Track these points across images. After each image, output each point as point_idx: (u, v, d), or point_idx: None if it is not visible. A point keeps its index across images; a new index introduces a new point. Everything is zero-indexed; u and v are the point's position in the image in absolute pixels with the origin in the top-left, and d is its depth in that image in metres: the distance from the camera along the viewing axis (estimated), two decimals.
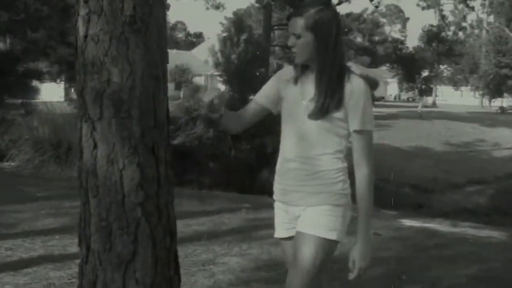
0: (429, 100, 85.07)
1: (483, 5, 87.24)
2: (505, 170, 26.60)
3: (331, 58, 3.05)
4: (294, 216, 3.17)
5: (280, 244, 3.36)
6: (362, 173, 3.13)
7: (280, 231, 3.30)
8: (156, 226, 3.06)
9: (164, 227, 3.11)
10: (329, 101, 3.03)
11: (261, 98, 3.33)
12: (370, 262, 3.18)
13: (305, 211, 3.10)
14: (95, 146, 2.96)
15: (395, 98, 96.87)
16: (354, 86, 3.07)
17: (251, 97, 3.24)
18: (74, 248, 5.95)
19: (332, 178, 3.10)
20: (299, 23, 3.03)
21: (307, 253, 3.04)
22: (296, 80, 3.19)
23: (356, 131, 3.10)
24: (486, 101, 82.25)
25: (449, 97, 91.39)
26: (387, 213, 12.92)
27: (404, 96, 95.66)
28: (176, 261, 3.25)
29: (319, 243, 3.05)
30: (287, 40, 3.12)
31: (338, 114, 3.05)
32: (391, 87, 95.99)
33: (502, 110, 67.48)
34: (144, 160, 2.98)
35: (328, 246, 3.09)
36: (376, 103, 73.87)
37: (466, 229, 9.98)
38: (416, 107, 57.33)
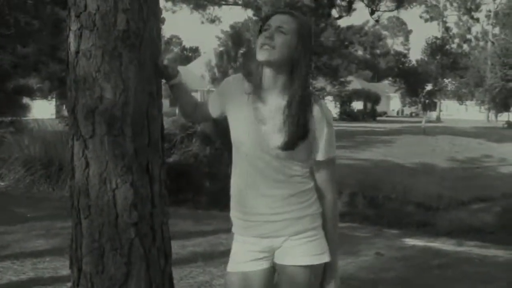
0: (433, 115, 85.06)
1: (488, 16, 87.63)
2: None
3: (305, 74, 2.93)
4: (269, 248, 3.03)
5: (240, 279, 3.04)
6: (328, 200, 3.07)
7: (247, 265, 3.04)
8: (150, 247, 3.06)
9: (159, 248, 3.11)
10: (298, 133, 2.90)
11: (211, 108, 3.23)
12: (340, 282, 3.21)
13: (289, 241, 3.00)
14: (87, 165, 2.97)
15: (397, 113, 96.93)
16: (320, 111, 2.95)
17: None
18: (65, 271, 5.95)
19: (308, 199, 3.03)
20: (289, 20, 2.93)
21: (306, 285, 3.01)
22: (250, 92, 3.00)
23: (318, 162, 3.02)
24: (492, 116, 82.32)
25: (454, 111, 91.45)
26: (389, 232, 12.91)
27: (407, 111, 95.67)
28: (171, 284, 3.26)
29: (314, 271, 3.03)
30: (265, 34, 2.91)
31: (303, 145, 2.95)
32: (394, 102, 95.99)
33: (509, 124, 67.35)
34: (137, 179, 2.99)
35: (321, 270, 3.07)
36: (379, 118, 74.25)
37: (472, 248, 9.97)
38: (420, 122, 57.33)
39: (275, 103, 2.95)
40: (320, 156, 2.99)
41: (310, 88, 2.99)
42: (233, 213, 3.10)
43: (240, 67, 21.54)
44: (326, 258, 3.04)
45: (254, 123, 2.96)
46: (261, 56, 2.89)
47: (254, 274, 3.03)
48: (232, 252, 3.11)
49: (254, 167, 2.98)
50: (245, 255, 3.04)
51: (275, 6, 37.56)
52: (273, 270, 3.07)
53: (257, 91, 2.98)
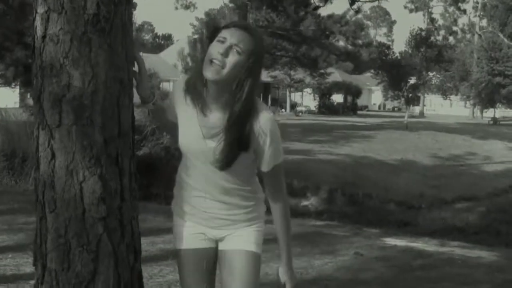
0: (416, 110, 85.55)
1: (475, 8, 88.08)
2: (497, 186, 26.78)
3: (250, 91, 2.98)
4: (212, 236, 3.28)
5: (180, 255, 3.31)
6: (278, 207, 3.24)
7: (191, 242, 3.28)
8: (119, 243, 3.04)
9: (128, 245, 3.10)
10: (234, 150, 3.01)
11: (171, 115, 3.34)
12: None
13: (238, 230, 3.25)
14: (53, 156, 2.94)
15: (379, 107, 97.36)
16: (262, 124, 3.02)
17: None
18: (28, 268, 5.92)
19: (254, 204, 3.27)
20: (247, 40, 2.96)
21: (251, 271, 3.23)
22: (194, 102, 3.09)
23: (264, 173, 3.17)
24: (477, 112, 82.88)
25: (438, 106, 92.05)
26: (369, 231, 12.98)
27: (389, 105, 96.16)
28: (140, 282, 3.25)
29: (256, 259, 3.26)
30: (221, 47, 2.94)
31: (246, 155, 3.07)
32: (376, 96, 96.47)
33: (495, 121, 67.95)
34: (106, 171, 2.97)
35: (257, 261, 3.30)
36: (359, 112, 74.45)
37: (454, 249, 10.06)
38: (402, 117, 57.53)
39: (217, 117, 3.05)
40: (265, 168, 3.13)
41: (256, 102, 3.04)
42: (179, 198, 3.31)
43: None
44: (260, 250, 3.31)
45: (200, 135, 3.08)
46: (208, 73, 2.93)
47: (202, 251, 3.28)
48: (177, 228, 3.33)
49: (203, 174, 3.15)
50: (192, 232, 3.27)
51: None
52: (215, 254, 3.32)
53: (200, 103, 3.07)
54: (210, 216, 3.21)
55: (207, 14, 46.28)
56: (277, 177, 3.19)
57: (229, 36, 2.95)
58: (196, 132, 3.08)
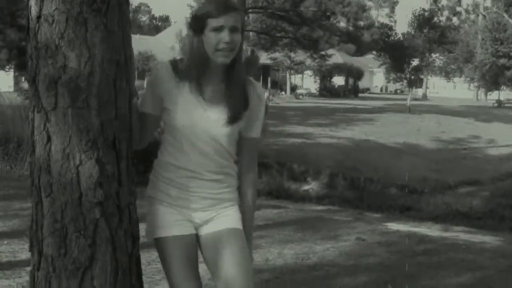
0: (419, 92, 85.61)
1: None
2: (501, 170, 26.76)
3: (241, 57, 3.29)
4: (199, 218, 3.36)
5: (166, 244, 3.34)
6: (251, 178, 3.45)
7: (175, 229, 3.32)
8: (117, 228, 3.04)
9: (126, 230, 3.10)
10: (240, 105, 3.24)
11: (154, 108, 3.34)
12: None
13: (226, 210, 3.38)
14: (49, 140, 2.94)
15: (381, 89, 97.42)
16: (258, 91, 3.35)
17: None
18: (24, 254, 5.94)
19: (236, 180, 3.44)
20: (238, 17, 3.15)
21: (241, 245, 3.32)
22: (192, 84, 3.22)
23: (251, 139, 3.39)
24: (481, 94, 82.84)
25: (441, 89, 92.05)
26: (371, 216, 13.01)
27: (391, 87, 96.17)
28: (138, 268, 3.25)
29: (241, 234, 3.38)
30: (223, 35, 3.10)
31: (238, 124, 3.26)
32: (377, 78, 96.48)
33: (499, 103, 67.94)
34: (103, 155, 2.96)
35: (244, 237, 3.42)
36: (361, 95, 74.43)
37: (458, 234, 10.08)
38: (405, 99, 57.52)
39: (217, 88, 3.24)
40: (254, 133, 3.38)
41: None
42: (161, 182, 3.37)
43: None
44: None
45: (198, 108, 3.22)
46: (222, 58, 3.14)
47: (187, 237, 3.34)
48: (160, 216, 3.36)
49: (200, 152, 3.25)
50: (175, 219, 3.33)
51: None
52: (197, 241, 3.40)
53: (200, 80, 3.22)
54: (199, 196, 3.30)
55: None
56: (255, 148, 3.45)
57: (224, 21, 3.10)
58: (197, 107, 3.21)
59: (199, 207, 3.31)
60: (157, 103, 3.28)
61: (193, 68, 3.19)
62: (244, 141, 3.36)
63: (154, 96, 3.29)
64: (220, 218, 3.34)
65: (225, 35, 3.08)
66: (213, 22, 3.08)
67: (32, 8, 2.93)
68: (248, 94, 3.26)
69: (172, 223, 3.31)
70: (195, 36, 3.15)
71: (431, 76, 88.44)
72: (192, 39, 3.17)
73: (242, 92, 3.23)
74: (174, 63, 3.25)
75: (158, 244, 3.37)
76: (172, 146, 3.29)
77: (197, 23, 3.13)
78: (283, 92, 68.72)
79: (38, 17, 2.91)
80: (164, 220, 3.33)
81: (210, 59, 3.14)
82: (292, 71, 71.08)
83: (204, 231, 3.35)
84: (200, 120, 3.19)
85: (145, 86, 3.46)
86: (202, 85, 3.20)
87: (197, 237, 3.37)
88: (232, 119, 3.19)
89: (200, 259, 3.35)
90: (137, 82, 3.38)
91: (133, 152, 3.18)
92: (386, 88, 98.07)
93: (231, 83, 3.21)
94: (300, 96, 65.02)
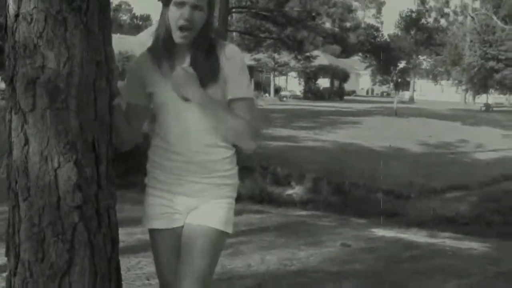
0: (406, 95, 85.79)
1: None
2: (489, 175, 26.84)
3: (210, 28, 3.24)
4: (185, 207, 3.34)
5: (154, 236, 3.41)
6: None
7: (161, 222, 3.36)
8: (96, 233, 3.05)
9: (105, 234, 3.10)
10: (204, 72, 3.18)
11: (137, 98, 3.37)
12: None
13: (208, 203, 3.31)
14: (27, 142, 2.94)
15: (367, 92, 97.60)
16: (228, 53, 3.24)
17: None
18: (0, 259, 5.90)
19: (231, 168, 3.36)
20: None
21: (209, 248, 3.26)
22: (165, 66, 3.25)
23: (235, 100, 3.24)
24: (469, 97, 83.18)
25: (428, 92, 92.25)
26: (356, 222, 13.06)
27: (377, 90, 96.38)
28: (118, 273, 3.25)
29: (222, 238, 3.33)
30: (183, 11, 3.11)
31: (215, 89, 3.20)
32: (363, 80, 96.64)
33: (487, 107, 68.17)
34: (82, 157, 2.97)
35: (224, 240, 3.38)
36: (346, 97, 74.54)
37: (445, 240, 10.13)
38: (391, 102, 57.70)
39: (185, 60, 3.25)
40: (236, 94, 3.23)
41: (218, 40, 3.30)
42: (154, 168, 3.39)
43: None
44: (230, 230, 3.36)
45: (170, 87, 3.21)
46: (180, 39, 3.17)
47: (175, 230, 3.36)
48: (147, 205, 3.42)
49: (178, 132, 3.25)
50: (163, 211, 3.36)
51: None
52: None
53: (171, 60, 3.25)
54: (186, 181, 3.29)
55: None
56: (247, 110, 3.26)
57: None
58: (168, 86, 3.21)
59: (187, 192, 3.30)
60: (140, 92, 3.32)
61: (160, 43, 3.23)
62: (231, 106, 3.23)
63: (135, 85, 3.34)
64: (204, 209, 3.31)
65: (185, 11, 3.10)
66: None
67: (10, 6, 2.93)
68: (218, 61, 3.21)
69: (159, 215, 3.35)
70: (164, 9, 3.19)
71: (418, 78, 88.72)
72: (162, 14, 3.20)
73: (207, 60, 3.20)
74: (151, 49, 3.30)
75: (150, 234, 3.43)
76: (159, 127, 3.32)
77: None
78: (266, 94, 68.67)
79: (16, 15, 2.91)
80: (154, 210, 3.37)
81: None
82: (276, 73, 71.07)
83: (187, 220, 3.34)
84: (170, 95, 3.21)
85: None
86: (175, 64, 3.23)
87: None
88: (202, 83, 3.16)
89: None
90: (119, 83, 3.38)
91: (113, 154, 3.18)
92: (373, 90, 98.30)
93: (193, 58, 3.22)
94: (284, 98, 64.97)
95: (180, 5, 3.10)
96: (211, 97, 3.18)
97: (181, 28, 3.11)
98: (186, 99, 3.16)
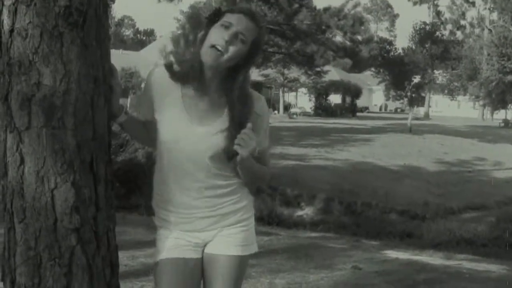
0: (421, 111, 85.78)
1: (485, 0, 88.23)
2: (508, 194, 26.78)
3: (246, 77, 3.22)
4: (201, 241, 3.35)
5: (163, 268, 3.33)
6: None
7: (175, 251, 3.32)
8: (94, 256, 3.04)
9: (104, 258, 3.09)
10: (236, 120, 3.17)
11: (146, 112, 3.39)
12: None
13: (222, 232, 3.34)
14: (22, 161, 2.94)
15: (380, 108, 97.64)
16: (259, 109, 3.28)
17: None
18: None
19: (240, 193, 3.37)
20: (252, 28, 3.14)
21: (234, 277, 3.32)
22: (182, 87, 3.23)
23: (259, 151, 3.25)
24: (487, 113, 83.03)
25: (444, 108, 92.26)
26: (369, 243, 13.01)
27: (391, 106, 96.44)
28: None
29: (244, 262, 3.39)
30: (226, 34, 3.09)
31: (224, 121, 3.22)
32: (377, 96, 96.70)
33: (506, 123, 68.02)
34: (80, 178, 2.96)
35: (246, 262, 3.44)
36: (359, 114, 74.49)
37: (462, 262, 10.09)
38: (406, 119, 57.70)
39: (211, 102, 3.23)
40: (258, 146, 3.20)
41: (249, 87, 3.27)
42: (160, 208, 3.40)
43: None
44: (254, 249, 3.44)
45: (187, 121, 3.22)
46: (209, 58, 3.12)
47: (187, 262, 3.32)
48: (159, 240, 3.39)
49: (187, 167, 3.24)
50: (176, 243, 3.33)
51: None
52: (202, 262, 3.38)
53: (191, 87, 3.22)
54: (196, 217, 3.29)
55: (192, 7, 46.24)
56: (264, 159, 3.35)
57: (236, 22, 3.10)
58: (183, 118, 3.20)
59: (198, 228, 3.31)
60: (149, 108, 3.32)
61: (185, 68, 3.19)
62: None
63: (147, 102, 3.33)
64: (221, 239, 3.33)
65: (226, 34, 3.07)
66: (226, 17, 3.12)
67: (5, 22, 2.93)
68: (250, 115, 3.19)
69: (173, 246, 3.33)
70: (205, 28, 3.17)
71: (433, 94, 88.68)
72: (195, 37, 3.20)
73: (243, 115, 3.17)
74: (169, 67, 3.25)
75: (158, 267, 3.36)
76: (165, 165, 3.31)
77: (216, 15, 3.16)
78: (275, 111, 68.67)
79: (11, 31, 2.91)
80: (168, 242, 3.34)
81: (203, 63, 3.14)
82: (285, 89, 71.15)
83: (206, 250, 3.36)
84: (186, 133, 3.19)
85: (128, 104, 3.47)
86: (197, 92, 3.20)
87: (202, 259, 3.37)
88: (230, 153, 3.14)
89: None
90: (121, 100, 3.38)
91: (112, 175, 3.18)
92: (386, 106, 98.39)
93: (231, 101, 3.18)
94: (294, 116, 64.97)
95: (226, 28, 3.09)
96: (253, 161, 3.23)
97: (212, 46, 3.08)
98: (231, 158, 3.16)
